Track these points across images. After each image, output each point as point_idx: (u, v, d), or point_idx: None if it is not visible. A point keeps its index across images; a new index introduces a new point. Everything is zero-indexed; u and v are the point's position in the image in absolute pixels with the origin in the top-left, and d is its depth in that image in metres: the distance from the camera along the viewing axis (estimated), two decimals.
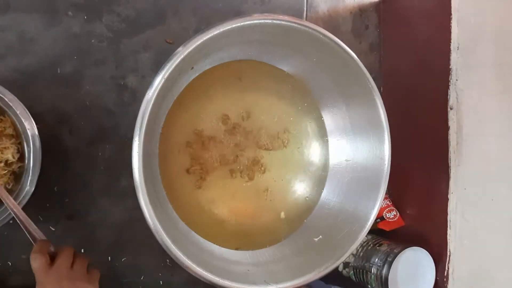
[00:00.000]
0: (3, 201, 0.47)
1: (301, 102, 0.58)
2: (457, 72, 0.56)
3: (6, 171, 0.50)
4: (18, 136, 0.51)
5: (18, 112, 0.49)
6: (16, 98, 0.49)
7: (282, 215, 0.57)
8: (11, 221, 0.49)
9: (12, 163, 0.51)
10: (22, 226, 0.46)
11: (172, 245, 0.39)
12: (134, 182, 0.38)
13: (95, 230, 0.58)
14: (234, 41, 0.48)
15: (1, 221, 0.49)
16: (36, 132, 0.50)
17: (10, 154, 0.50)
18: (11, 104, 0.48)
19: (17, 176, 0.51)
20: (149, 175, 0.39)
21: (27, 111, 0.50)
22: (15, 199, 0.49)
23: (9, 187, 0.51)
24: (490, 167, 0.57)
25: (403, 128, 0.57)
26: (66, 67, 0.56)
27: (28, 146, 0.50)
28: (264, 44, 0.51)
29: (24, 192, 0.50)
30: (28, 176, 0.50)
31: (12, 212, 0.47)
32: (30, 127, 0.49)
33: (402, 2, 0.67)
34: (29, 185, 0.50)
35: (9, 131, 0.51)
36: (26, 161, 0.50)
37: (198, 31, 0.56)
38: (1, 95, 0.48)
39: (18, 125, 0.50)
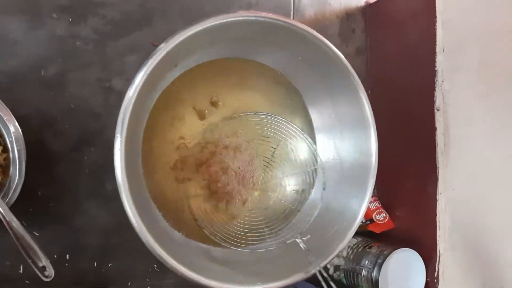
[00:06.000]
0: None
1: (288, 100, 0.58)
2: (443, 74, 0.57)
3: None
4: None
5: None
6: None
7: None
8: None
9: None
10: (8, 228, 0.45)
11: (156, 244, 0.38)
12: (116, 181, 0.37)
13: (80, 235, 0.56)
14: (219, 38, 0.47)
15: None
16: (14, 120, 0.49)
17: None
18: None
19: (5, 169, 0.50)
20: (133, 173, 0.38)
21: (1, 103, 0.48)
22: (5, 193, 0.48)
23: None
24: (478, 167, 0.57)
25: (391, 131, 0.57)
26: (50, 70, 0.55)
27: (9, 136, 0.49)
28: (250, 42, 0.51)
29: (15, 184, 0.49)
30: (16, 166, 0.49)
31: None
32: (8, 116, 0.48)
33: (388, 6, 0.68)
34: (18, 175, 0.49)
35: None
36: (10, 151, 0.49)
37: None
38: None
39: None
